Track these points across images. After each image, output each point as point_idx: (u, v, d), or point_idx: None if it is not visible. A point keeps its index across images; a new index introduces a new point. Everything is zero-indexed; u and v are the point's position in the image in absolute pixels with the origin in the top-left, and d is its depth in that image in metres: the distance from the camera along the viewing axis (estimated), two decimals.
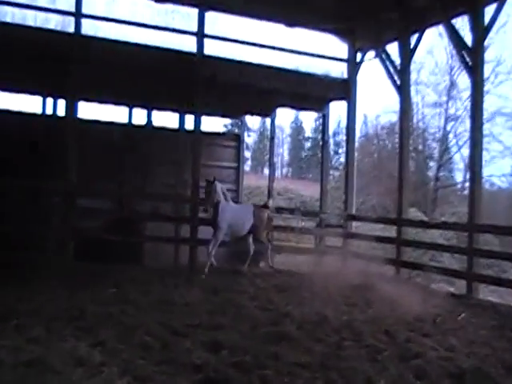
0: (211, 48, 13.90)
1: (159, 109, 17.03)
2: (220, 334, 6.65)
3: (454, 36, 12.29)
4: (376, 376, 5.50)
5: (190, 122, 15.70)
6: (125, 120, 16.79)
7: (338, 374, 5.46)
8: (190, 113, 15.00)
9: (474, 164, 11.78)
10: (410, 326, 7.89)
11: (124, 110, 16.79)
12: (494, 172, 33.87)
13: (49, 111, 15.78)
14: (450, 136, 32.85)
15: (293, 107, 16.99)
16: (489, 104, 29.53)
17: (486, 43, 12.10)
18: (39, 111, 15.84)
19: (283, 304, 8.91)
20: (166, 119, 25.27)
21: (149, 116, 16.88)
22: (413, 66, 15.58)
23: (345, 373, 5.52)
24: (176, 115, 16.97)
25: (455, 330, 7.96)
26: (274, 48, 14.81)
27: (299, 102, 15.90)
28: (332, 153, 50.46)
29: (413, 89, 27.04)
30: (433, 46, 32.40)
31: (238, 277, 11.53)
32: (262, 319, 7.70)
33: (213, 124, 63.04)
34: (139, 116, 17.33)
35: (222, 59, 13.97)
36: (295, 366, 5.63)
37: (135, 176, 16.06)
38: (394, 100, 45.14)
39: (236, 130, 35.41)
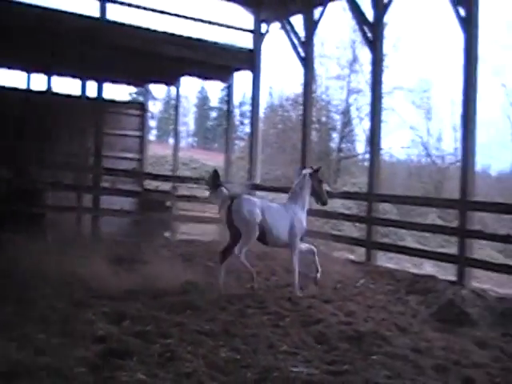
0: (114, 14, 13.55)
1: (59, 74, 16.46)
2: (123, 304, 6.59)
3: (356, 11, 12.49)
4: (278, 341, 5.64)
5: (92, 89, 15.29)
6: (23, 86, 16.14)
7: (241, 341, 5.56)
8: (93, 79, 14.57)
9: (374, 136, 12.13)
10: (313, 293, 8.12)
11: (22, 75, 16.15)
12: (393, 144, 34.92)
13: None
14: (352, 108, 33.54)
15: (198, 76, 16.82)
16: (389, 78, 30.23)
17: (385, 19, 12.38)
18: None
19: (188, 273, 8.91)
20: (67, 86, 24.56)
21: (48, 82, 16.28)
22: (317, 39, 15.78)
23: (248, 339, 5.63)
24: (78, 82, 16.46)
25: (355, 295, 8.28)
26: (178, 16, 14.57)
27: (204, 71, 15.78)
28: (238, 123, 50.32)
29: (317, 61, 27.32)
30: (336, 21, 32.88)
31: (144, 247, 11.36)
32: (166, 289, 7.68)
33: (118, 92, 61.60)
34: (39, 82, 16.71)
35: (126, 25, 13.61)
36: (199, 334, 5.68)
37: (34, 144, 15.46)
38: (298, 72, 45.66)
39: (141, 99, 34.76)
